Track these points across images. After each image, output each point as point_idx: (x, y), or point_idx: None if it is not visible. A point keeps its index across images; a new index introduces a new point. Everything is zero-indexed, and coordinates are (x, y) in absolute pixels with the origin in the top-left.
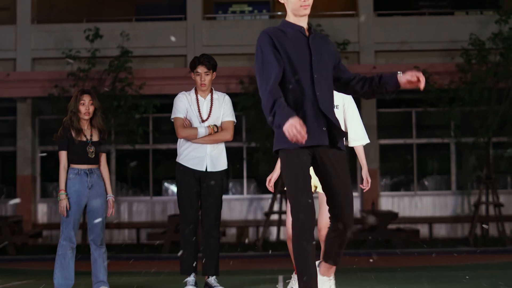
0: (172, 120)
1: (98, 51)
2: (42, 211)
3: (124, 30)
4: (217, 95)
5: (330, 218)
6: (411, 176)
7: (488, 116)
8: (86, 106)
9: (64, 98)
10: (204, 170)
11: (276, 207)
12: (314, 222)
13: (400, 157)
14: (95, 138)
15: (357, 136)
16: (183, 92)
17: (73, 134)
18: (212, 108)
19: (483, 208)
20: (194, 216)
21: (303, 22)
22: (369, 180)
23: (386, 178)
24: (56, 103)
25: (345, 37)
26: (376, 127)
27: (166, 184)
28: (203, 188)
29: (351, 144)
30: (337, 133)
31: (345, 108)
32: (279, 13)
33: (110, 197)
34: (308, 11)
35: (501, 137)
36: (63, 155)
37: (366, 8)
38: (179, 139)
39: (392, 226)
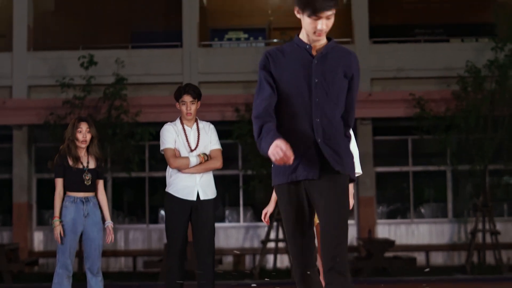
0: (162, 152)
1: (93, 78)
2: (38, 239)
3: (119, 57)
4: (202, 124)
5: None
6: (408, 204)
7: (484, 144)
8: (83, 134)
9: (60, 126)
10: (195, 199)
11: (272, 235)
12: (313, 256)
13: (396, 185)
14: (92, 165)
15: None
16: (169, 123)
17: (70, 162)
18: (199, 137)
19: (480, 235)
20: (182, 246)
21: (316, 40)
22: (351, 201)
23: (382, 206)
24: (52, 130)
25: None
26: (372, 154)
27: (162, 212)
28: (194, 218)
29: None
30: (337, 161)
31: None
32: (275, 40)
33: (109, 223)
34: (321, 38)
35: (497, 164)
36: (59, 182)
37: (361, 35)
38: (168, 169)
39: (389, 254)
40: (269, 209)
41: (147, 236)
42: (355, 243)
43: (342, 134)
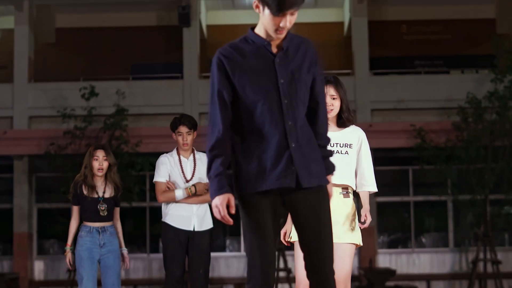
0: (154, 182)
1: (94, 109)
2: (38, 268)
3: (120, 88)
4: (199, 155)
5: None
6: (409, 233)
7: (485, 174)
8: (99, 162)
9: (60, 156)
10: (191, 229)
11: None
12: (272, 281)
13: (397, 214)
14: (109, 194)
15: (368, 182)
16: (165, 154)
17: (85, 191)
18: (195, 168)
19: (481, 265)
20: (180, 276)
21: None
22: (368, 218)
23: (383, 235)
24: (52, 161)
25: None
26: None
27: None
28: (190, 248)
29: (360, 189)
30: (316, 169)
31: (360, 148)
32: None
33: (124, 250)
34: (282, 36)
35: (498, 194)
36: (74, 210)
37: (362, 67)
38: None
39: (390, 284)
40: (288, 227)
41: (147, 266)
42: (356, 272)
43: (314, 139)
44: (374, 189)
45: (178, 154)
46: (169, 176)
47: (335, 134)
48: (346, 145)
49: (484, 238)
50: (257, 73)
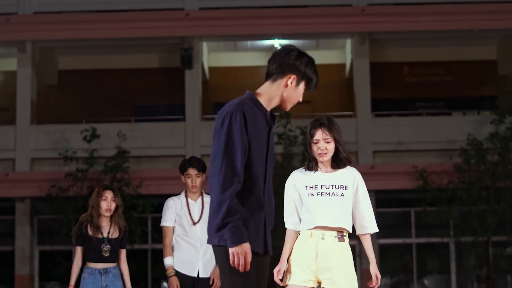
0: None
1: (96, 151)
2: None
3: (121, 130)
4: (208, 198)
5: None
6: (411, 276)
7: (487, 216)
8: (108, 202)
9: (62, 198)
10: (195, 275)
11: None
12: None
13: (399, 256)
14: (114, 235)
15: (369, 223)
16: (172, 197)
17: (90, 231)
18: (203, 211)
19: None
20: None
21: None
22: (379, 277)
23: (385, 277)
24: (54, 203)
25: (343, 137)
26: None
27: (164, 284)
28: None
29: (360, 232)
30: (269, 238)
31: (356, 189)
32: (276, 113)
33: None
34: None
35: (500, 236)
36: (78, 250)
37: (363, 108)
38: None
39: None
40: (282, 265)
41: None
42: None
43: None
44: (376, 230)
45: (186, 196)
46: (175, 220)
47: (329, 176)
48: (342, 186)
49: (487, 280)
50: (261, 136)
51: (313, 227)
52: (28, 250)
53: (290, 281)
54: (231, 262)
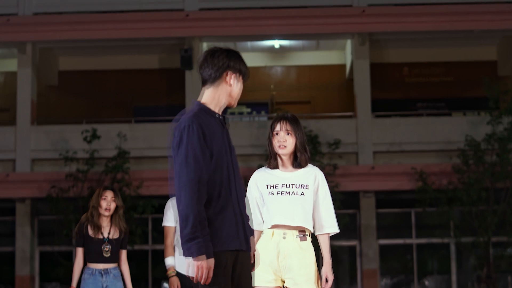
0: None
1: (96, 152)
2: None
3: (121, 130)
4: None
5: None
6: (411, 276)
7: (487, 216)
8: (107, 202)
9: (62, 199)
10: None
11: None
12: None
13: (400, 257)
14: (114, 236)
15: (329, 223)
16: (173, 198)
17: (90, 231)
18: None
19: None
20: None
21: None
22: (330, 278)
23: (386, 278)
24: (54, 203)
25: (343, 138)
26: (376, 227)
27: (165, 285)
28: None
29: (319, 232)
30: (250, 234)
31: (317, 189)
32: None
33: None
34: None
35: (500, 236)
36: (78, 251)
37: (363, 109)
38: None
39: None
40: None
41: None
42: None
43: None
44: (335, 230)
45: None
46: (177, 220)
47: (290, 175)
48: (302, 186)
49: (487, 280)
50: (219, 141)
51: (271, 226)
52: (28, 250)
53: (255, 283)
54: (195, 274)
